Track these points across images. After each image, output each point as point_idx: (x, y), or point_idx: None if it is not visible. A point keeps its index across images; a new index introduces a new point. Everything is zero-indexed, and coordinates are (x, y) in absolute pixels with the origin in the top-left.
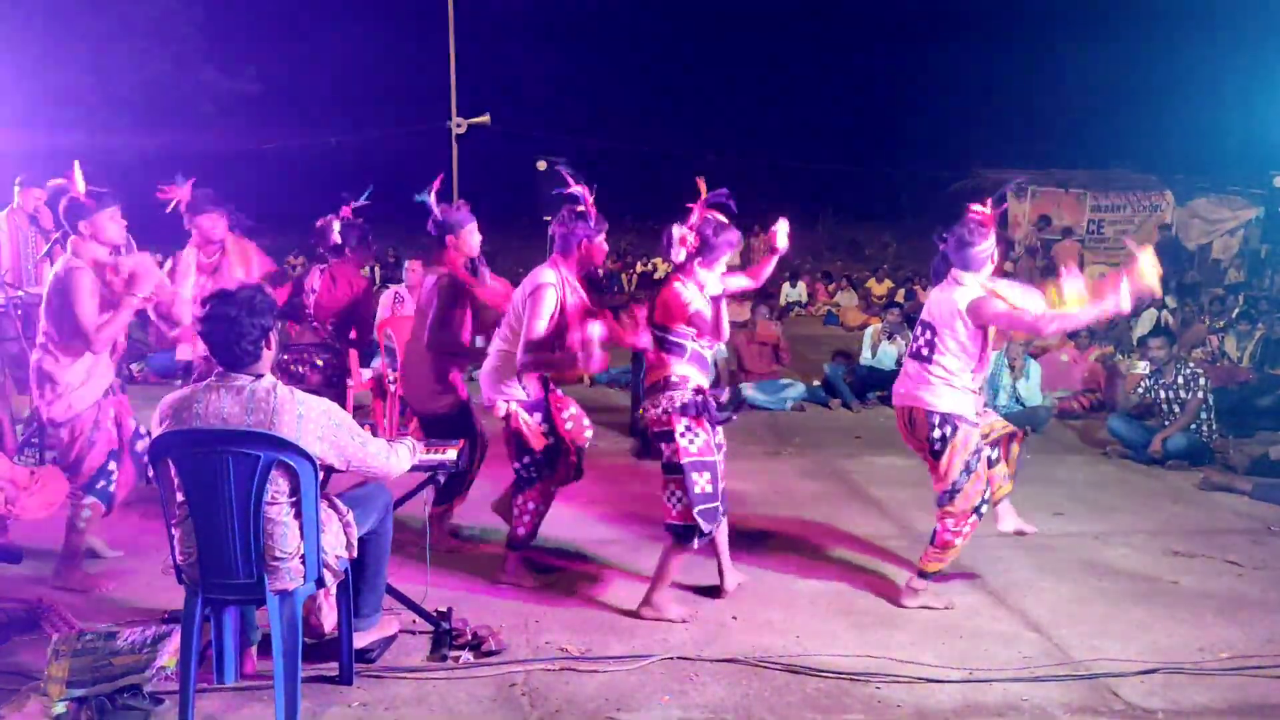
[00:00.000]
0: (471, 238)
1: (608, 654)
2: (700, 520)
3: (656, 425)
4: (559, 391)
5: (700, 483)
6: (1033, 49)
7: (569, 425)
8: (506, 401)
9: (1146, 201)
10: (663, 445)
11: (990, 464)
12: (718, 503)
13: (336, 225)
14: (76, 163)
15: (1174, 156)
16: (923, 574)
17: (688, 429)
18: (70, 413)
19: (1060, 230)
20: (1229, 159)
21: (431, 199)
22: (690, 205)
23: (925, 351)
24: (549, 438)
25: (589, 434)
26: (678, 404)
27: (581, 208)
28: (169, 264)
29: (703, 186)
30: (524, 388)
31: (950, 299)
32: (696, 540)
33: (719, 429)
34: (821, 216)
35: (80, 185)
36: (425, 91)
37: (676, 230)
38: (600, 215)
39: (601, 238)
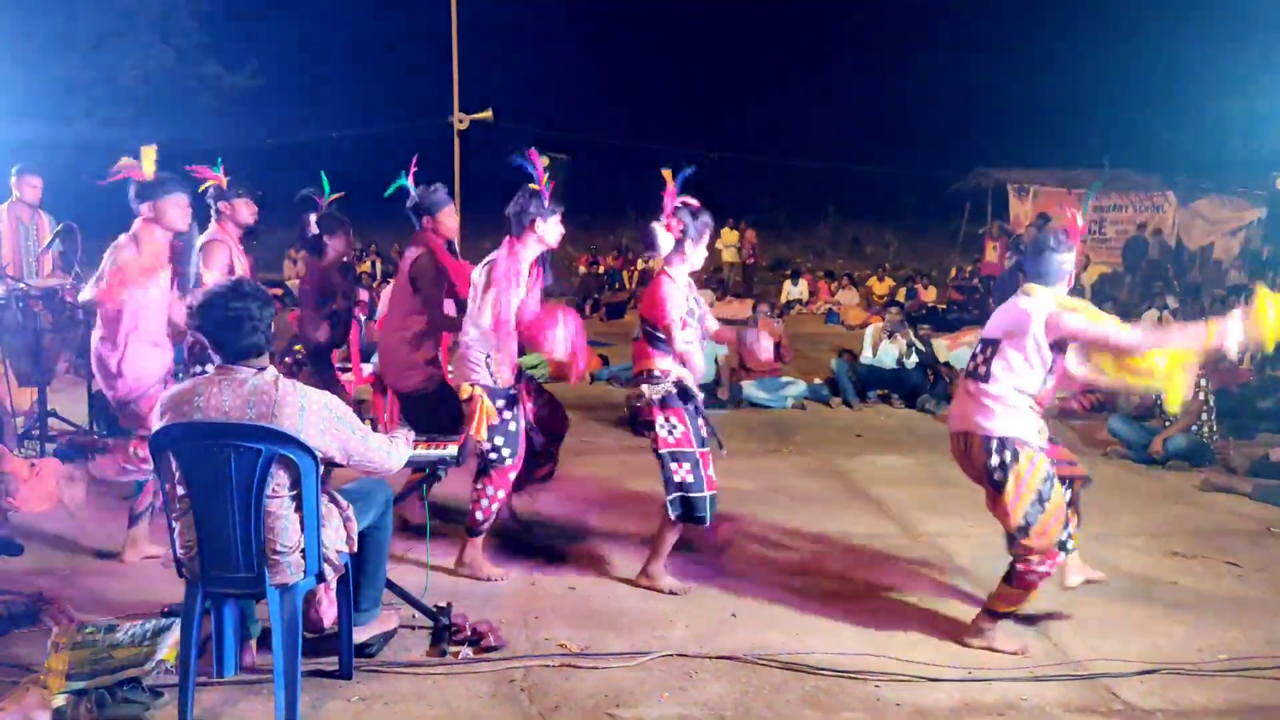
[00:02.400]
0: (449, 219)
1: (607, 650)
2: (669, 506)
3: (642, 414)
4: (535, 382)
5: (680, 472)
6: (1036, 49)
7: (542, 413)
8: (472, 385)
9: (1149, 202)
10: (645, 432)
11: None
12: (704, 493)
13: (313, 218)
14: (154, 146)
15: (1176, 157)
16: (992, 613)
17: (666, 420)
18: (133, 392)
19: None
20: (1231, 159)
21: (410, 181)
22: (664, 194)
23: (983, 370)
24: (512, 425)
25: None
26: (657, 395)
27: (535, 185)
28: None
29: (669, 176)
30: (493, 373)
31: (1019, 309)
32: (684, 525)
33: (701, 420)
34: (823, 215)
35: (150, 169)
36: (428, 87)
37: (658, 225)
38: (555, 198)
39: (556, 219)
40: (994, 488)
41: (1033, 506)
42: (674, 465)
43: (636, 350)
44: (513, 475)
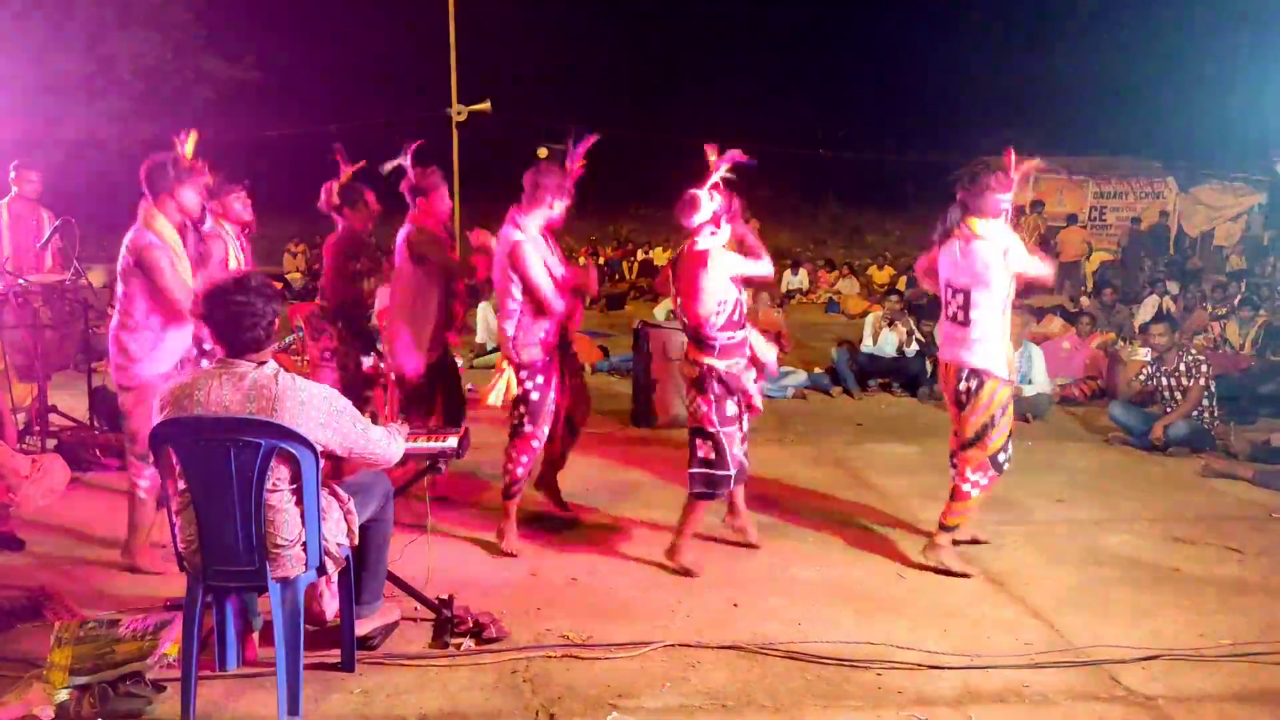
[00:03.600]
0: (441, 202)
1: (609, 641)
2: (689, 480)
3: (687, 394)
4: (571, 361)
5: (703, 449)
6: (1036, 34)
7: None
8: (506, 359)
9: (1149, 188)
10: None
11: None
12: (724, 471)
13: (335, 188)
14: (194, 133)
15: (1177, 143)
16: (944, 527)
17: (693, 400)
18: (136, 380)
19: (1065, 217)
20: (1232, 145)
21: (407, 161)
22: (710, 163)
23: (961, 316)
24: (534, 395)
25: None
26: (691, 379)
27: (568, 165)
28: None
29: (713, 150)
30: (524, 349)
31: (980, 258)
32: (692, 497)
33: (739, 399)
34: (823, 203)
35: (190, 150)
36: (425, 78)
37: (700, 191)
38: (572, 186)
39: (565, 203)
40: (959, 407)
41: (983, 426)
42: (698, 441)
43: (689, 341)
44: (536, 444)
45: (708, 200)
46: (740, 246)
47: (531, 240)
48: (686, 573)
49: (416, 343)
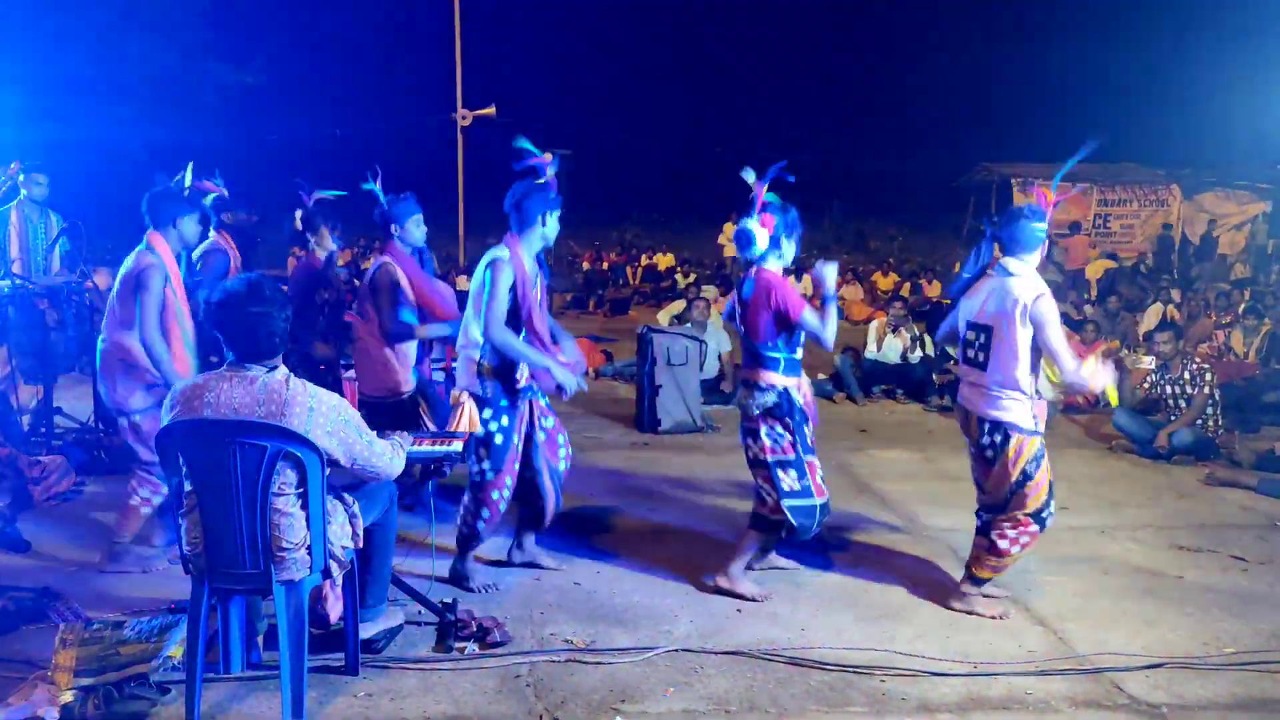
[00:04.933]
0: (415, 229)
1: (613, 646)
2: (789, 514)
3: (745, 419)
4: (543, 404)
5: (787, 479)
6: (1040, 43)
7: (540, 438)
8: (461, 390)
9: (1153, 196)
10: (749, 440)
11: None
12: (813, 500)
13: (299, 214)
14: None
15: (1181, 150)
16: (974, 579)
17: (771, 429)
18: (141, 404)
19: (1068, 225)
20: (1236, 153)
21: (378, 186)
22: (754, 189)
23: (980, 358)
24: (498, 438)
25: (563, 463)
26: (764, 405)
27: (542, 179)
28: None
29: (750, 175)
30: (484, 383)
31: (1009, 297)
32: (785, 533)
33: (808, 427)
34: (828, 210)
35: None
36: (430, 84)
37: (751, 222)
38: (559, 189)
39: (557, 215)
40: (985, 463)
41: (1015, 482)
42: (780, 473)
43: (744, 362)
44: (495, 494)
45: (759, 228)
46: (816, 293)
47: (514, 262)
48: (752, 599)
49: (391, 368)
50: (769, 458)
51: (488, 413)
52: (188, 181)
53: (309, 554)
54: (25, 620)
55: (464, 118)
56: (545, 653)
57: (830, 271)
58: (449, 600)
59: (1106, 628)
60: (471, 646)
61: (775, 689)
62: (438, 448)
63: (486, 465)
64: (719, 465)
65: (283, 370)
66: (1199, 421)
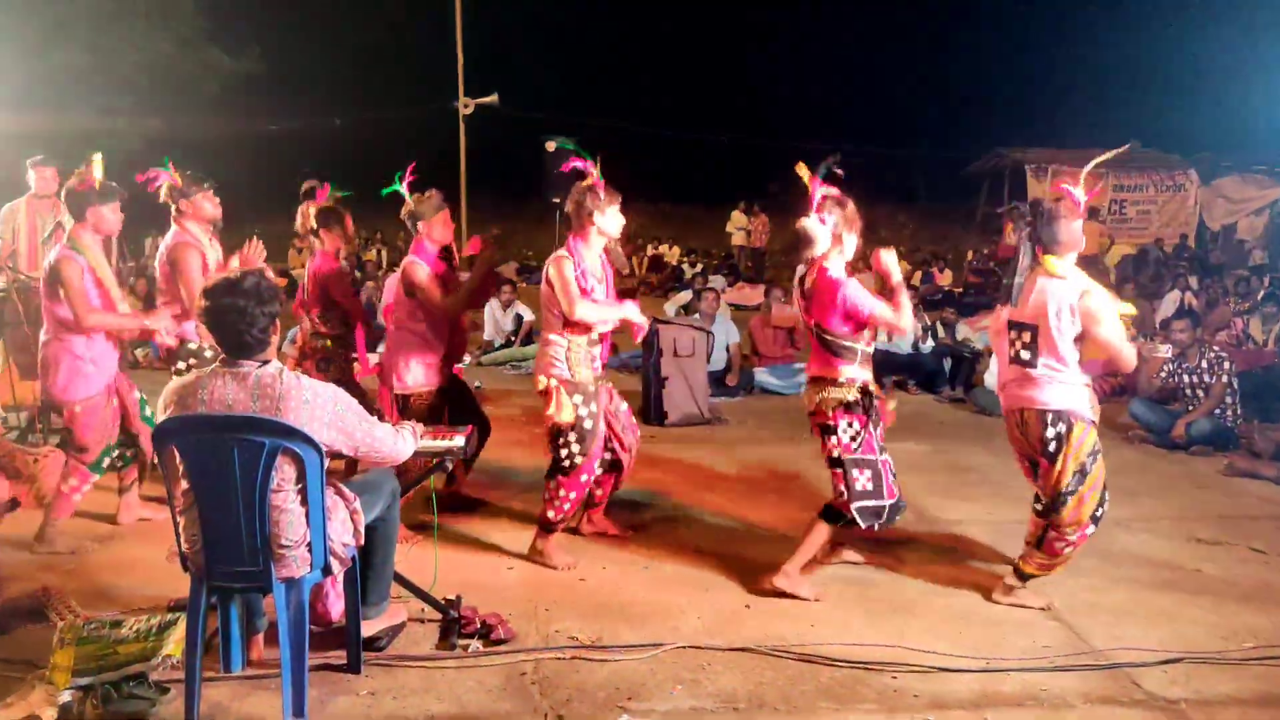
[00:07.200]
0: (441, 227)
1: (619, 643)
2: (856, 515)
3: (819, 417)
4: (609, 386)
5: (861, 480)
6: (1053, 27)
7: (618, 425)
8: (549, 378)
9: (1170, 181)
10: (824, 438)
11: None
12: (883, 501)
13: (312, 210)
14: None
15: (1199, 135)
16: (1021, 575)
17: (849, 425)
18: (82, 393)
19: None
20: (1255, 137)
21: (404, 188)
22: (809, 185)
23: (1026, 355)
24: (587, 423)
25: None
26: (842, 402)
27: (588, 181)
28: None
29: (804, 170)
30: (570, 369)
31: (1051, 294)
32: (848, 526)
33: (882, 426)
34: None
35: (99, 173)
36: (432, 72)
37: (809, 221)
38: (610, 187)
39: (615, 209)
40: (1048, 459)
41: (1074, 477)
42: (856, 473)
43: (814, 356)
44: (584, 477)
45: (819, 226)
46: (885, 285)
47: (573, 257)
48: (805, 599)
49: (420, 366)
50: (845, 455)
51: (578, 399)
52: (98, 173)
53: (309, 551)
54: (23, 619)
55: (466, 106)
56: (550, 650)
57: (893, 258)
58: (453, 597)
59: (1122, 622)
60: (475, 644)
61: (784, 686)
62: (439, 440)
63: (576, 449)
64: (728, 459)
65: (276, 364)
66: (1217, 411)
